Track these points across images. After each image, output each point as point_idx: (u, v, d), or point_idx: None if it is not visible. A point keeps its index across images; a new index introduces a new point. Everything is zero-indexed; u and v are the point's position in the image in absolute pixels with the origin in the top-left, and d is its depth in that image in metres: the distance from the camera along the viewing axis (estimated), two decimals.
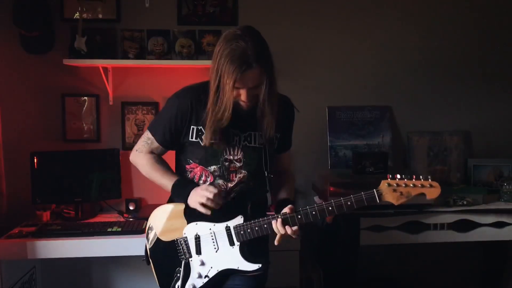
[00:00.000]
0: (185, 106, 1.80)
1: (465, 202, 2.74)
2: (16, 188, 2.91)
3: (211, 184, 1.85)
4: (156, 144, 1.89)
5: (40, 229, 2.59)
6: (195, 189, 1.80)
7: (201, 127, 1.81)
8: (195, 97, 1.81)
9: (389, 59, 3.18)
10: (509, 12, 3.23)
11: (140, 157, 1.92)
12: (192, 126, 1.82)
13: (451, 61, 3.21)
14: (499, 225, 2.72)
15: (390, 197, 1.71)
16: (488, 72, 3.24)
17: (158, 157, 1.93)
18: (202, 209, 1.76)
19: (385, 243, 2.74)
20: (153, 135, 1.89)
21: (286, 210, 1.77)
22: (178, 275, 1.86)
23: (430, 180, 1.69)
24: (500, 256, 3.21)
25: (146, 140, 1.91)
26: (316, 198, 3.05)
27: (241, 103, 1.73)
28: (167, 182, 1.86)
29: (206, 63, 2.94)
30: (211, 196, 1.74)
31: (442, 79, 3.22)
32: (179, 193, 1.84)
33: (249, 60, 1.62)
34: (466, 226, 2.71)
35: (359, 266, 2.80)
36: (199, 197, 1.77)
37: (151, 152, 1.92)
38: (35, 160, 2.78)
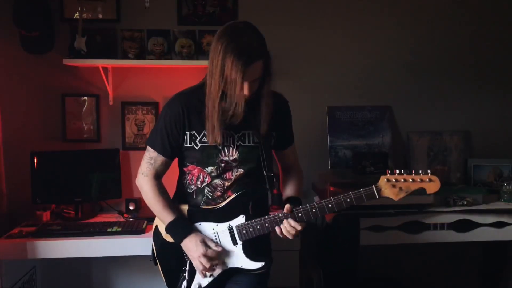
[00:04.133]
0: (177, 113, 1.82)
1: (465, 202, 2.74)
2: (16, 188, 2.91)
3: (209, 184, 1.87)
4: (159, 160, 1.87)
5: (40, 229, 2.58)
6: (190, 241, 1.81)
7: (194, 131, 1.83)
8: (185, 103, 1.82)
9: (389, 59, 3.17)
10: (509, 12, 3.23)
11: (145, 182, 1.89)
12: (186, 132, 1.83)
13: (451, 61, 3.21)
14: (499, 225, 2.72)
15: (390, 193, 1.72)
16: (488, 72, 3.24)
17: (161, 188, 1.90)
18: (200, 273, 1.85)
19: (385, 243, 2.74)
20: (153, 148, 1.87)
21: (285, 209, 1.79)
22: (184, 274, 1.89)
23: (429, 174, 1.69)
24: (500, 256, 3.21)
25: (149, 161, 1.88)
26: (316, 198, 3.05)
27: (242, 102, 1.73)
28: (163, 218, 1.87)
29: (206, 63, 2.91)
30: (200, 268, 1.80)
31: (442, 79, 3.22)
32: (172, 234, 1.86)
33: (255, 53, 1.65)
34: (466, 226, 2.71)
35: (359, 266, 2.80)
36: (195, 262, 1.81)
37: (156, 174, 1.89)
38: (35, 160, 2.78)
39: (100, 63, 2.86)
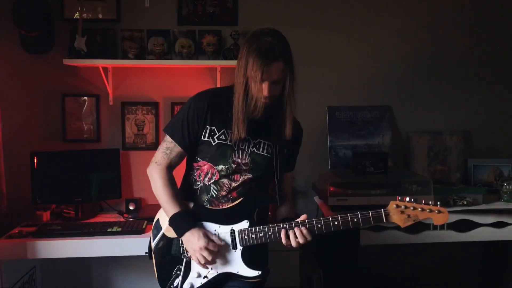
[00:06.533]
0: (201, 107, 1.85)
1: (465, 202, 2.74)
2: (16, 188, 2.91)
3: (216, 182, 1.87)
4: (175, 151, 1.89)
5: (40, 229, 2.58)
6: (192, 234, 1.81)
7: (214, 127, 1.85)
8: (212, 99, 1.87)
9: (389, 59, 3.18)
10: (509, 12, 3.23)
11: (157, 170, 1.90)
12: (206, 126, 1.85)
13: (451, 61, 3.21)
14: (499, 225, 2.72)
15: (397, 219, 1.73)
16: (488, 72, 3.24)
17: (171, 179, 1.91)
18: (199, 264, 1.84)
19: (385, 243, 2.73)
20: (172, 137, 1.88)
21: (301, 218, 1.80)
22: (178, 272, 1.88)
23: (439, 206, 1.70)
24: (500, 256, 3.22)
25: (165, 150, 1.90)
26: (316, 198, 3.05)
27: (262, 99, 1.77)
28: (168, 209, 1.87)
29: (206, 63, 2.94)
30: (202, 262, 1.80)
31: (442, 79, 3.22)
32: (175, 227, 1.86)
33: (275, 53, 1.72)
34: (466, 226, 2.71)
35: (359, 266, 2.80)
36: (197, 255, 1.80)
37: (170, 164, 1.90)
38: (35, 160, 2.78)
39: (100, 63, 2.86)
